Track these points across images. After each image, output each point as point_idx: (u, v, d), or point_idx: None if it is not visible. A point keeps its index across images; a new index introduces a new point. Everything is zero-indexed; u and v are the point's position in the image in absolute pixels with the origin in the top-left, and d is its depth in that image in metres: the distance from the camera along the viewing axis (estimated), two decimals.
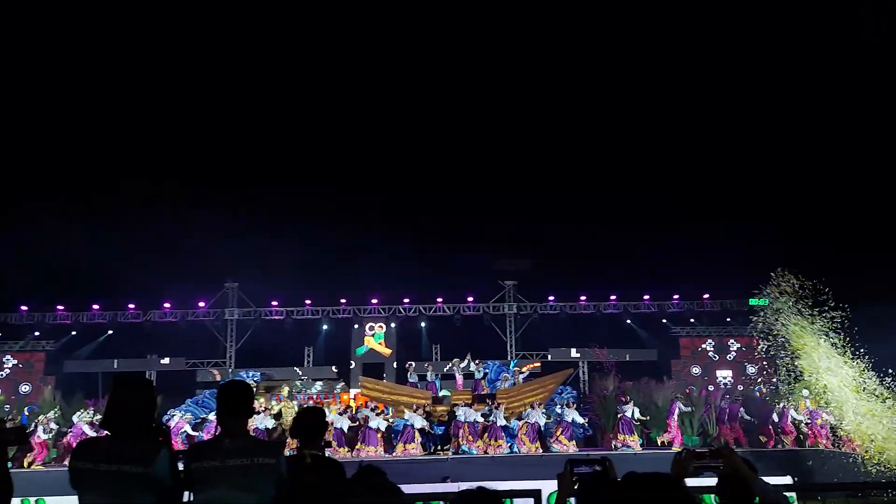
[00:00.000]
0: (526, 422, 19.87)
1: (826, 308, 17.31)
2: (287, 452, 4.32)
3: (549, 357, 27.02)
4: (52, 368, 26.36)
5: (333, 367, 27.27)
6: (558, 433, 19.88)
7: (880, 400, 16.65)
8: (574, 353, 27.17)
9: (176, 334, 27.34)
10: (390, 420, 20.30)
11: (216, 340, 27.71)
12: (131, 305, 27.09)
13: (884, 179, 22.33)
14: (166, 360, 27.12)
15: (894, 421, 16.60)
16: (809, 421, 20.05)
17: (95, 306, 27.01)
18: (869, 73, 19.95)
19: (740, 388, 25.46)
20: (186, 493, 3.74)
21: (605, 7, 24.58)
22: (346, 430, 19.74)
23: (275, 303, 27.49)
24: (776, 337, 18.58)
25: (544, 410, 20.50)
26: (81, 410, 20.66)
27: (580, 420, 20.51)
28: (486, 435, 19.53)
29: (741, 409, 21.43)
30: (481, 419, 19.77)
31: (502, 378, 22.98)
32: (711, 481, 3.63)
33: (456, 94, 26.94)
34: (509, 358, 26.27)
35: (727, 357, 27.91)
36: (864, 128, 23.12)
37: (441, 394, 22.46)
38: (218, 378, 25.96)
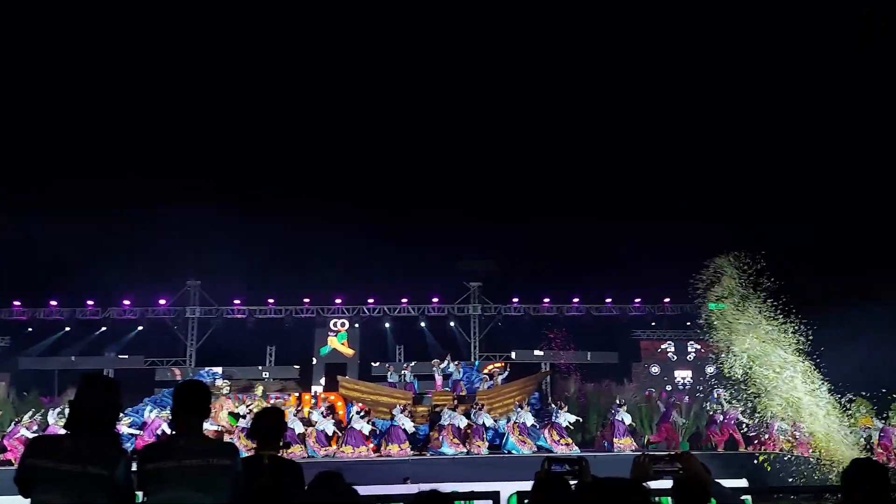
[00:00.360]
0: (515, 422, 19.89)
1: (779, 303, 17.17)
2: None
3: (514, 357, 27.14)
4: (6, 365, 25.73)
5: (296, 367, 27.12)
6: (553, 434, 19.85)
7: (832, 403, 16.83)
8: (537, 353, 27.35)
9: (135, 332, 26.95)
10: (374, 425, 20.19)
11: (176, 338, 27.36)
12: (90, 302, 26.61)
13: (866, 184, 22.53)
14: (125, 358, 26.68)
15: (843, 425, 16.82)
16: (794, 430, 20.07)
17: (53, 302, 26.48)
18: (868, 72, 20.06)
19: (699, 387, 25.67)
20: (140, 494, 3.68)
21: (575, 7, 24.70)
22: (328, 433, 19.64)
23: (237, 301, 27.22)
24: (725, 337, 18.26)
25: (530, 410, 20.62)
26: (53, 410, 20.13)
27: (572, 419, 20.46)
28: (470, 437, 19.54)
29: (738, 414, 21.41)
30: (465, 421, 19.74)
31: (481, 379, 23.05)
32: (667, 484, 3.65)
33: (422, 96, 26.98)
34: (473, 359, 26.35)
35: (686, 357, 28.28)
36: (851, 128, 23.33)
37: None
38: (178, 377, 25.64)
